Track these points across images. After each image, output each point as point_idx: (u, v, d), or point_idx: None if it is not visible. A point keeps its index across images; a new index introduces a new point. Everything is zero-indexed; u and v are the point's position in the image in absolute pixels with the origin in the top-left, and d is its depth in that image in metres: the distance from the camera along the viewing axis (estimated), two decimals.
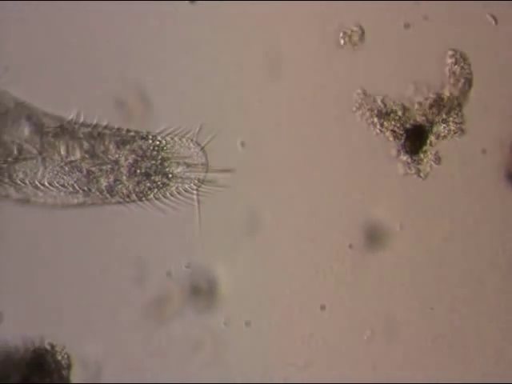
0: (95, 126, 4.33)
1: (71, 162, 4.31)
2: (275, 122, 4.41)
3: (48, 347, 4.27)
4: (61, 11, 4.34)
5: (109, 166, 4.32)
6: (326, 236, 4.38)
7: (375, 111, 4.36)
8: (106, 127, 4.33)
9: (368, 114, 4.36)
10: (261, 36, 4.40)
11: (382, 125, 4.36)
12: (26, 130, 4.29)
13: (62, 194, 4.31)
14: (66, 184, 4.31)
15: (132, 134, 4.35)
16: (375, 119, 4.36)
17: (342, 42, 4.36)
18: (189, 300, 4.35)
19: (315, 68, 4.42)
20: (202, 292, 4.35)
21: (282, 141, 4.40)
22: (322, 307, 4.35)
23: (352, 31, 4.38)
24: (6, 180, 4.28)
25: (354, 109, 4.37)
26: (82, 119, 4.32)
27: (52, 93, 4.34)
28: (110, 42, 4.35)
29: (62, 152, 4.30)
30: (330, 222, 4.38)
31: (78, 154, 4.31)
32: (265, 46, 4.41)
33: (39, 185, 4.29)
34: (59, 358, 4.27)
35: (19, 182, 4.28)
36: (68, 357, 4.28)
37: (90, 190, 4.31)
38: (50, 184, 4.30)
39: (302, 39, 4.42)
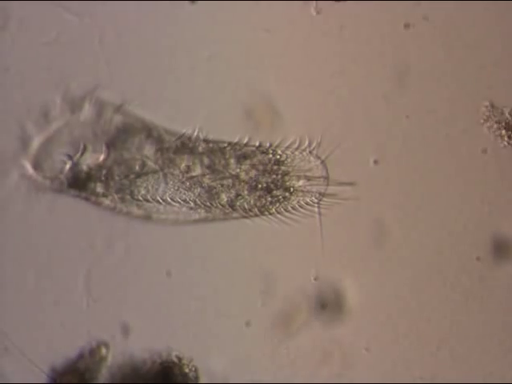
0: (215, 140, 4.35)
1: (192, 177, 4.34)
2: (402, 134, 4.39)
3: (175, 360, 4.32)
4: (184, 22, 4.38)
5: (230, 181, 4.35)
6: (454, 248, 4.36)
7: (503, 123, 4.31)
8: (226, 142, 4.36)
9: (496, 126, 4.32)
10: (387, 47, 4.40)
11: (509, 137, 4.31)
12: (146, 147, 4.33)
13: (183, 209, 4.35)
14: (187, 199, 4.34)
15: (252, 148, 4.37)
16: (503, 131, 4.31)
17: None
18: (316, 313, 4.37)
19: (443, 80, 4.40)
20: (330, 305, 4.38)
21: (409, 153, 4.39)
22: (451, 320, 4.35)
23: None
24: (128, 197, 4.33)
25: (482, 121, 4.33)
26: (202, 134, 4.35)
27: (177, 106, 4.37)
28: (237, 53, 4.37)
29: (183, 167, 4.33)
30: (457, 234, 4.35)
31: (198, 170, 4.34)
32: (393, 56, 4.40)
33: (161, 201, 4.33)
34: (186, 370, 4.32)
35: (141, 199, 4.33)
36: (195, 369, 4.33)
37: (211, 205, 4.35)
38: (171, 199, 4.34)
39: (429, 50, 4.40)
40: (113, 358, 4.32)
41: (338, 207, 4.32)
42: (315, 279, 4.34)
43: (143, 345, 4.33)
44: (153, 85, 4.37)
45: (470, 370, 4.33)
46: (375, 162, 4.37)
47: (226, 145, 4.35)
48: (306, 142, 4.33)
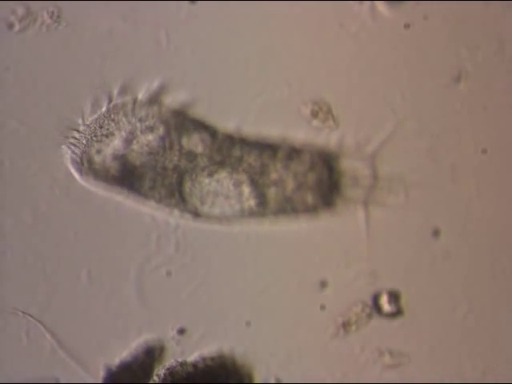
0: (263, 137, 4.34)
1: (237, 175, 4.33)
2: (455, 128, 4.38)
3: (229, 359, 4.34)
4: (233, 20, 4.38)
5: (276, 180, 4.32)
6: (506, 248, 4.34)
7: None
8: (274, 139, 4.35)
9: None
10: (441, 51, 4.41)
11: None
12: (196, 143, 4.31)
13: (226, 207, 4.34)
14: (234, 197, 4.32)
15: (297, 147, 4.35)
16: None
17: None
18: (370, 315, 4.39)
19: (496, 74, 4.41)
20: (384, 307, 4.40)
21: (462, 147, 4.38)
22: (502, 319, 4.33)
23: None
24: (176, 193, 4.32)
25: None
26: (250, 132, 4.35)
27: (230, 103, 4.38)
28: (290, 51, 4.37)
29: (229, 166, 4.32)
30: (509, 234, 4.36)
31: (245, 168, 4.33)
32: (446, 61, 4.41)
33: (205, 199, 4.31)
34: (240, 370, 4.33)
35: (187, 197, 4.32)
36: (249, 369, 4.35)
37: (256, 204, 4.35)
38: (218, 197, 4.31)
39: (481, 47, 4.39)
40: (167, 357, 4.35)
41: (390, 207, 4.34)
42: (368, 281, 4.37)
43: (197, 344, 4.35)
44: (206, 82, 4.38)
45: None
46: (422, 161, 4.36)
47: (273, 142, 4.34)
48: (356, 141, 4.35)
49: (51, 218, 4.38)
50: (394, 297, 4.34)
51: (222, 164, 4.31)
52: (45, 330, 4.32)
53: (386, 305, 4.34)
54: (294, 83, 4.36)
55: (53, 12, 4.32)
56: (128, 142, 4.30)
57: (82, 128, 4.32)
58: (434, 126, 4.35)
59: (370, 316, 4.34)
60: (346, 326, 4.34)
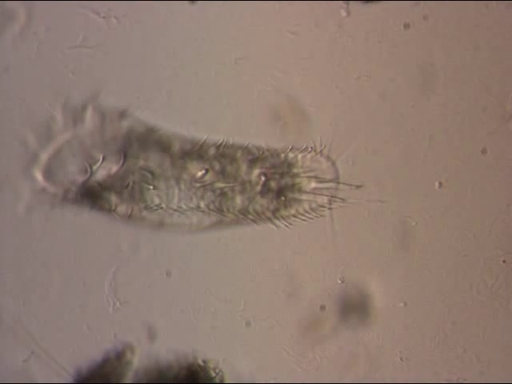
0: (227, 145, 4.32)
1: (204, 183, 4.30)
2: (427, 136, 4.33)
3: (201, 363, 4.34)
4: (208, 24, 4.36)
5: (241, 186, 4.30)
6: (480, 251, 4.31)
7: None
8: (237, 146, 4.31)
9: None
10: (413, 50, 4.38)
11: None
12: (160, 155, 4.29)
13: (196, 215, 4.32)
14: (200, 205, 4.30)
15: (263, 151, 4.30)
16: None
17: None
18: (342, 315, 4.37)
19: (466, 80, 4.39)
20: (356, 307, 4.38)
21: (432, 154, 4.33)
22: (477, 322, 4.35)
23: None
24: (142, 205, 4.29)
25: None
26: (216, 139, 4.31)
27: (201, 111, 4.35)
28: (263, 55, 4.32)
29: (195, 174, 4.29)
30: (483, 236, 4.29)
31: (210, 175, 4.29)
32: (418, 58, 4.35)
33: (174, 207, 4.29)
34: (212, 374, 4.34)
35: (153, 206, 4.29)
36: (221, 373, 4.35)
37: (224, 210, 4.31)
38: (184, 206, 4.29)
39: (455, 52, 4.39)
40: (139, 361, 4.35)
41: (363, 209, 4.32)
42: (341, 281, 4.36)
43: (169, 348, 4.34)
44: (177, 89, 4.36)
45: (497, 372, 4.33)
46: (398, 163, 4.33)
47: (237, 149, 4.30)
48: (321, 144, 4.30)
49: (26, 227, 4.40)
50: (365, 298, 4.32)
51: (186, 174, 4.30)
52: (23, 330, 4.35)
53: (355, 305, 4.32)
54: (271, 89, 4.34)
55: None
56: (98, 159, 4.31)
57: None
58: (409, 130, 4.35)
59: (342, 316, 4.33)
60: (318, 326, 4.33)
